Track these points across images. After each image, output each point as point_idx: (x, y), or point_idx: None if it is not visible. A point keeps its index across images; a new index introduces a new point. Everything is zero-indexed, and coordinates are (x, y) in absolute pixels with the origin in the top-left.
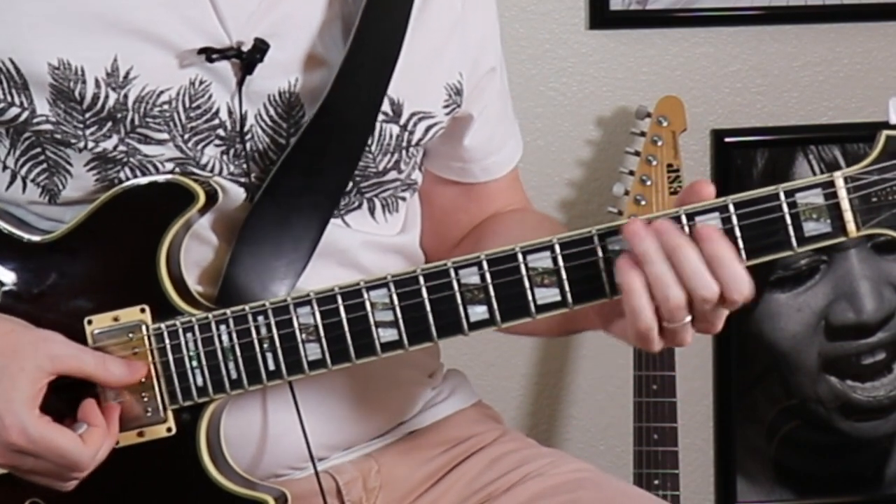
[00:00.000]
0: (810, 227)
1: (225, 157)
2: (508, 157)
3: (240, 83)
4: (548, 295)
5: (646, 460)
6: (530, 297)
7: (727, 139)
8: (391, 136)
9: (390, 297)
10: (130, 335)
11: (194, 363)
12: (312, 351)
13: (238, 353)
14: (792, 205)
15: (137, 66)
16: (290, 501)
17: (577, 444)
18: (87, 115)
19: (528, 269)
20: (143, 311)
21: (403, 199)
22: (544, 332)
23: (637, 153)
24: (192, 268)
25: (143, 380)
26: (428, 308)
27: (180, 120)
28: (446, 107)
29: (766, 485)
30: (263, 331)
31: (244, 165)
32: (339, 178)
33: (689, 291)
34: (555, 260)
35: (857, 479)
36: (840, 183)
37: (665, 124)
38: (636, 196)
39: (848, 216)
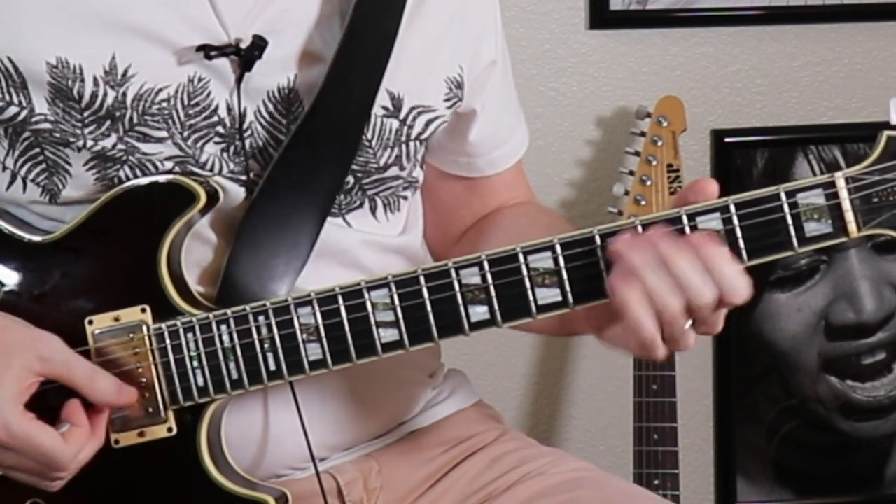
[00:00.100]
0: (811, 228)
1: (225, 155)
2: (514, 149)
3: (238, 80)
4: (549, 295)
5: (646, 460)
6: (531, 298)
7: (727, 139)
8: (391, 131)
9: (391, 297)
10: (131, 335)
11: (195, 363)
12: (313, 351)
13: (239, 353)
14: (793, 205)
15: (136, 65)
16: (291, 502)
17: (577, 444)
18: (86, 114)
19: (529, 269)
20: (143, 311)
21: (405, 198)
22: (543, 330)
23: (637, 153)
24: (194, 268)
25: (144, 380)
26: (429, 308)
27: (179, 117)
28: (447, 100)
29: (766, 485)
30: (264, 331)
31: (244, 163)
32: (335, 174)
33: (688, 298)
34: (556, 260)
35: (857, 479)
36: (841, 183)
37: (665, 124)
38: (636, 196)
39: (849, 216)
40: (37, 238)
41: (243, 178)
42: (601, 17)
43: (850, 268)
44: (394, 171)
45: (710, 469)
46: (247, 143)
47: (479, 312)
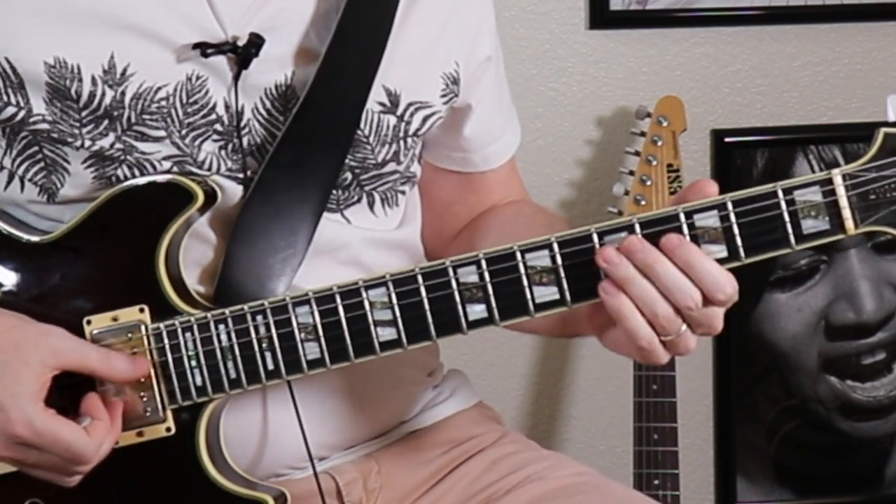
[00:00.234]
0: (809, 225)
1: (222, 153)
2: (508, 145)
3: (236, 78)
4: (546, 293)
5: (646, 460)
6: (529, 296)
7: (727, 139)
8: (388, 127)
9: (389, 296)
10: (129, 335)
11: (193, 363)
12: (311, 350)
13: (237, 352)
14: (790, 202)
15: (134, 63)
16: (290, 501)
17: (577, 444)
18: (84, 114)
19: (526, 267)
20: (141, 310)
21: (403, 192)
22: (544, 330)
23: (637, 153)
24: (192, 267)
25: (143, 379)
26: (427, 307)
27: (177, 116)
28: (444, 96)
29: (766, 485)
30: (262, 330)
31: (241, 160)
32: (329, 169)
33: (674, 302)
34: (553, 258)
35: (857, 479)
36: (838, 180)
37: (665, 124)
38: (636, 196)
39: (846, 213)
40: (35, 238)
41: (241, 176)
42: (601, 17)
43: (850, 268)
44: (391, 166)
45: (710, 469)
46: (244, 140)
47: (477, 311)
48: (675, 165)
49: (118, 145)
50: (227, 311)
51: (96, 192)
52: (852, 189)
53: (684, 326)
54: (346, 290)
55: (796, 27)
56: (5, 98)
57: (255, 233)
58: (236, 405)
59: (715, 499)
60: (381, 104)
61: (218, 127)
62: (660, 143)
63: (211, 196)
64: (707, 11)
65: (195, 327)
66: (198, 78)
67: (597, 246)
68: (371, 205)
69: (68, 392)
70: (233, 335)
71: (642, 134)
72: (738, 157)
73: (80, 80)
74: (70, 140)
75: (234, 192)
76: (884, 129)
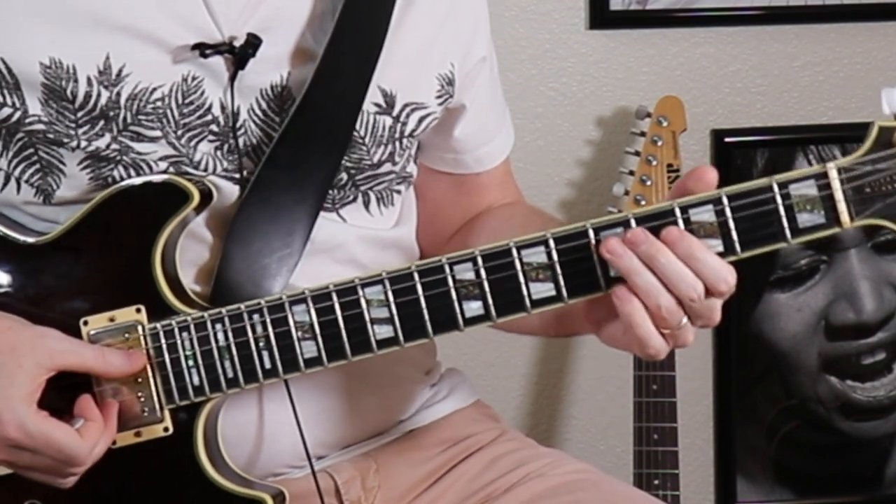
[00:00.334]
0: (804, 219)
1: (218, 153)
2: (500, 147)
3: (232, 78)
4: (542, 290)
5: (646, 460)
6: (525, 292)
7: (727, 139)
8: (384, 128)
9: (385, 293)
10: (126, 335)
11: (190, 362)
12: (308, 349)
13: (234, 351)
14: (785, 196)
15: (130, 64)
16: (289, 500)
17: (577, 444)
18: (80, 114)
19: (522, 263)
20: (138, 311)
21: (398, 192)
22: (540, 330)
23: (637, 153)
24: (189, 267)
25: (139, 379)
26: (423, 304)
27: (173, 116)
28: (439, 97)
29: (766, 485)
30: (259, 329)
31: (237, 161)
32: (326, 169)
33: (677, 294)
34: (549, 254)
35: (857, 479)
36: (833, 174)
37: (665, 124)
38: (636, 196)
39: (841, 207)
40: (31, 240)
41: (237, 176)
42: (601, 17)
43: (850, 268)
44: (387, 167)
45: (710, 469)
46: (240, 141)
47: (474, 308)
48: (675, 165)
49: (114, 146)
50: (223, 310)
51: (92, 192)
52: (847, 182)
53: (685, 319)
54: (343, 289)
55: (796, 27)
56: (1, 99)
57: (252, 232)
58: (233, 404)
59: (715, 499)
60: (377, 105)
61: (214, 127)
62: (660, 143)
63: (207, 196)
64: (707, 11)
65: (192, 327)
66: (193, 78)
67: (592, 241)
68: (366, 204)
69: (65, 393)
70: (230, 334)
71: (642, 134)
72: (738, 157)
73: (76, 81)
74: (66, 141)
75: (230, 192)
76: (878, 123)
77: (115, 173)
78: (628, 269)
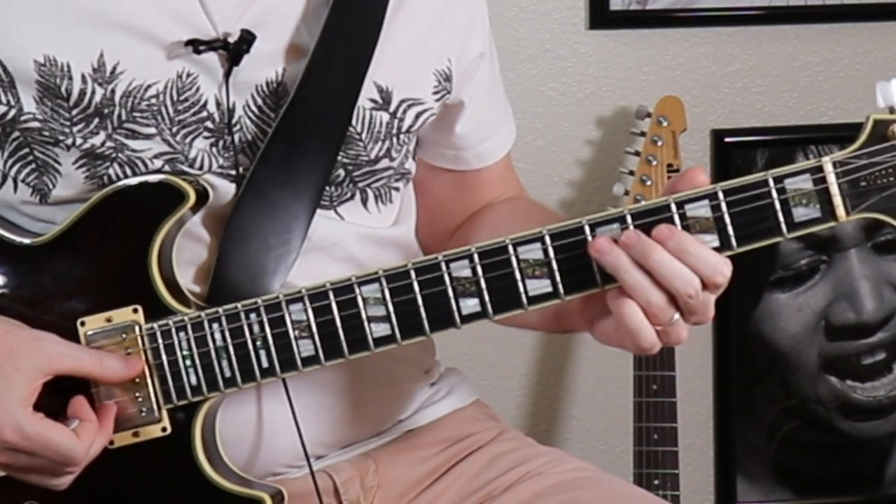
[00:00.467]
0: (800, 213)
1: (214, 150)
2: (501, 142)
3: (226, 74)
4: (539, 286)
5: (646, 460)
6: (522, 289)
7: (727, 139)
8: (381, 124)
9: (382, 291)
10: (123, 336)
11: (188, 362)
12: (305, 347)
13: (231, 351)
14: (781, 191)
15: (124, 61)
16: (288, 500)
17: (577, 444)
18: (74, 112)
19: (519, 260)
20: (135, 311)
21: (397, 189)
22: (539, 326)
23: (637, 153)
24: (186, 266)
25: (137, 380)
26: (420, 302)
27: (168, 113)
28: (436, 93)
29: (766, 485)
30: (256, 328)
31: (233, 158)
32: (321, 166)
33: (673, 291)
34: (545, 251)
35: (857, 479)
36: (829, 168)
37: (665, 124)
38: (636, 196)
39: (837, 201)
40: (27, 241)
41: (233, 173)
42: (601, 17)
43: (850, 268)
44: (384, 163)
45: (710, 469)
46: (236, 137)
47: (470, 305)
48: (675, 165)
49: (109, 143)
50: (220, 309)
51: (89, 192)
52: (843, 176)
53: (676, 315)
54: (339, 287)
55: (796, 27)
56: None
57: (248, 231)
58: (231, 404)
59: (715, 499)
60: (373, 101)
61: (209, 124)
62: (660, 143)
63: (203, 195)
64: (707, 11)
65: (189, 327)
66: (188, 75)
67: (589, 238)
68: (364, 201)
69: (61, 395)
70: (227, 334)
71: (642, 134)
72: (738, 157)
73: (70, 79)
74: (61, 139)
75: (226, 190)
76: (873, 116)
77: (111, 171)
78: (615, 266)
